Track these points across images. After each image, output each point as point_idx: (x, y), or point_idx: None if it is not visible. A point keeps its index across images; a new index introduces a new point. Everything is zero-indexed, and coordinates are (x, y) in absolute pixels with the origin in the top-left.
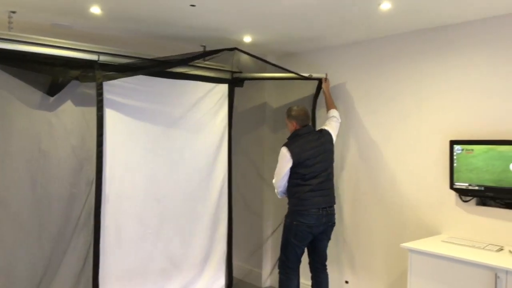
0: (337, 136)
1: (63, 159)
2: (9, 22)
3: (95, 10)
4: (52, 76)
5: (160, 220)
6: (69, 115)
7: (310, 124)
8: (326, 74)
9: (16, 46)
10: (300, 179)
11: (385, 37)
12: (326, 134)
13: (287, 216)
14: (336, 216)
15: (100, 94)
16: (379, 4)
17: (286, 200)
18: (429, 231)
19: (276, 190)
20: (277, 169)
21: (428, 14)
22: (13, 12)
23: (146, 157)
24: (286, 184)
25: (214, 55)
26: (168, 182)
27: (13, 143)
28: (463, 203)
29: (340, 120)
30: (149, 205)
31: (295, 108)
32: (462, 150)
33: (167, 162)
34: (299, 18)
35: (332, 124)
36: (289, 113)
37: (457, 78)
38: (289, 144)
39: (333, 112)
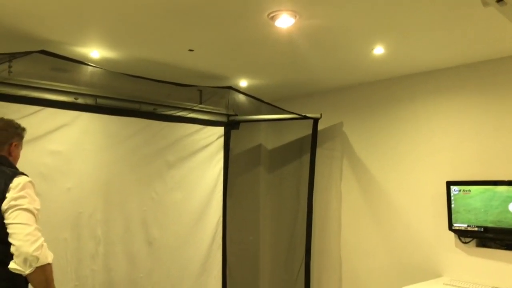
0: (335, 175)
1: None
2: (9, 66)
3: (95, 54)
4: None
5: (152, 263)
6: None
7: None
8: None
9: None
10: None
11: (379, 81)
12: (3, 178)
13: None
14: (330, 258)
15: None
16: (372, 49)
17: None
18: (430, 274)
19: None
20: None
21: (420, 58)
22: None
23: (139, 199)
24: None
25: (211, 87)
26: (159, 225)
27: None
28: (463, 244)
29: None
30: (141, 248)
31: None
32: (459, 191)
33: (159, 204)
34: (294, 62)
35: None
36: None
37: (451, 120)
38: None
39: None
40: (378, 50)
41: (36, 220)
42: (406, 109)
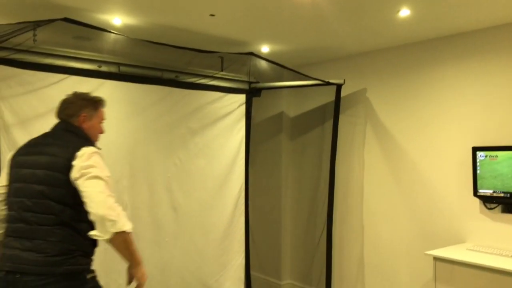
0: (358, 142)
1: None
2: (34, 35)
3: (117, 21)
4: None
5: (177, 228)
6: None
7: (67, 121)
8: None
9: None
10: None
11: (404, 45)
12: (70, 147)
13: None
14: (352, 224)
15: None
16: (398, 11)
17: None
18: (453, 240)
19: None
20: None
21: (447, 20)
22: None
23: (163, 166)
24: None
25: (232, 53)
26: (184, 191)
27: None
28: (488, 210)
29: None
30: (166, 213)
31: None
32: (486, 156)
33: (183, 171)
34: (317, 26)
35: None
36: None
37: (479, 84)
38: None
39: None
40: (404, 12)
41: (103, 181)
42: (432, 74)
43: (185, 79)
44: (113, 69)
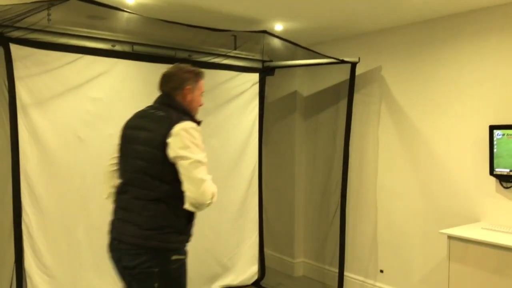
0: (372, 121)
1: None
2: (48, 14)
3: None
4: None
5: None
6: None
7: (169, 94)
8: None
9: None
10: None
11: (420, 22)
12: (167, 123)
13: None
14: (366, 203)
15: None
16: None
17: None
18: (468, 218)
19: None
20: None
21: None
22: None
23: None
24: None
25: (245, 31)
26: None
27: None
28: (504, 189)
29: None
30: None
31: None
32: (503, 135)
33: None
34: (332, 3)
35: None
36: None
37: (497, 62)
38: None
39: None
40: None
41: (203, 166)
42: (448, 52)
43: (198, 58)
44: (126, 48)
